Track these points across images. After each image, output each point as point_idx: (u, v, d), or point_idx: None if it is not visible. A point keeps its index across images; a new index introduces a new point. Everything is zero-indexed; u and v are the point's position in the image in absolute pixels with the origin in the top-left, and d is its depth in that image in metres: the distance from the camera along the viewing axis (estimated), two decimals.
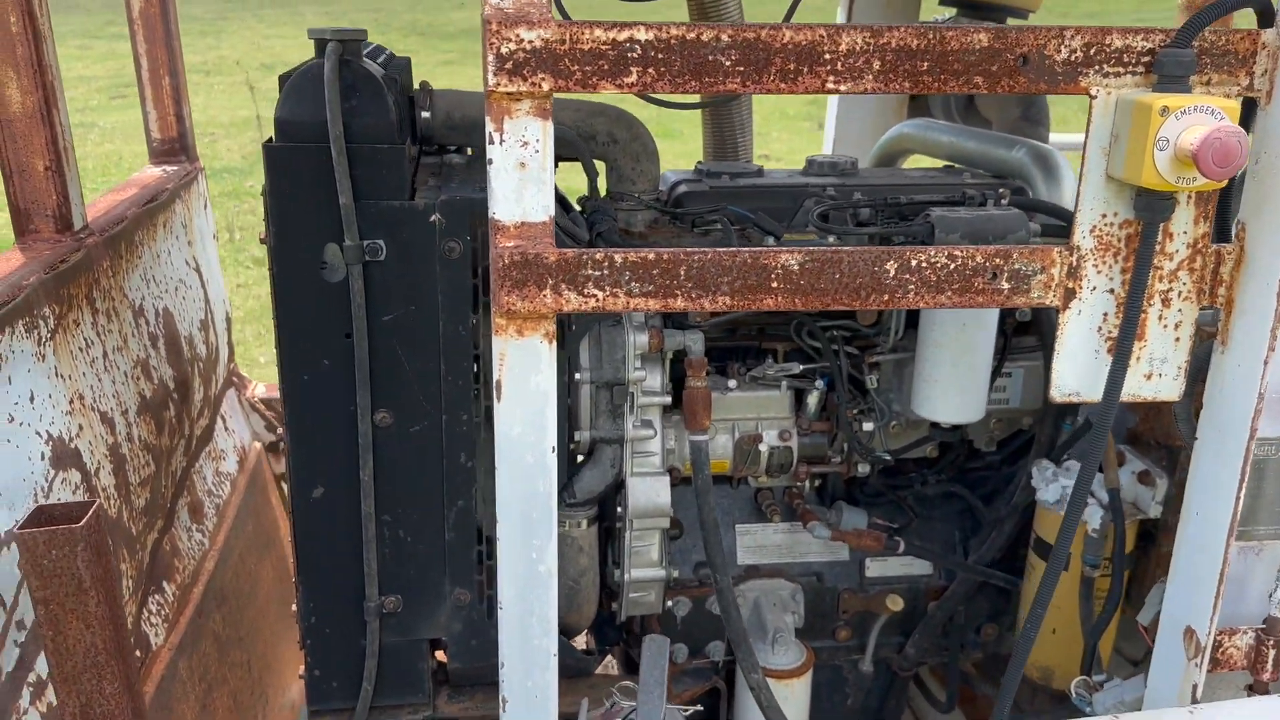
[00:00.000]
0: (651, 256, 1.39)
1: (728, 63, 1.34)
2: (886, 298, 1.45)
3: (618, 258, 1.38)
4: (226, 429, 3.15)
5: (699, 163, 2.46)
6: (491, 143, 1.33)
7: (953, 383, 2.06)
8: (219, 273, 3.29)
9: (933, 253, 1.44)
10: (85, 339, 2.20)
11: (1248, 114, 1.48)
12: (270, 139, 1.78)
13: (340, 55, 1.76)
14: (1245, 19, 1.48)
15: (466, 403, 1.90)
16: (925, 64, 1.38)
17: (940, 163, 2.66)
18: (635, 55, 1.32)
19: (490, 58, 1.29)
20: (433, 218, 1.80)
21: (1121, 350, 1.50)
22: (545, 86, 1.31)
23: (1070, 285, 1.50)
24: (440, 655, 2.12)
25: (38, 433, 1.94)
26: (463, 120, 2.07)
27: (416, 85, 2.08)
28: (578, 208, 2.17)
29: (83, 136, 11.62)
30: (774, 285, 1.42)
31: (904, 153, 2.88)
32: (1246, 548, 1.71)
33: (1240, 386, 1.57)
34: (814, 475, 2.32)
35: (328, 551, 1.92)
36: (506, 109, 1.32)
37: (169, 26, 3.04)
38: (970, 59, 1.38)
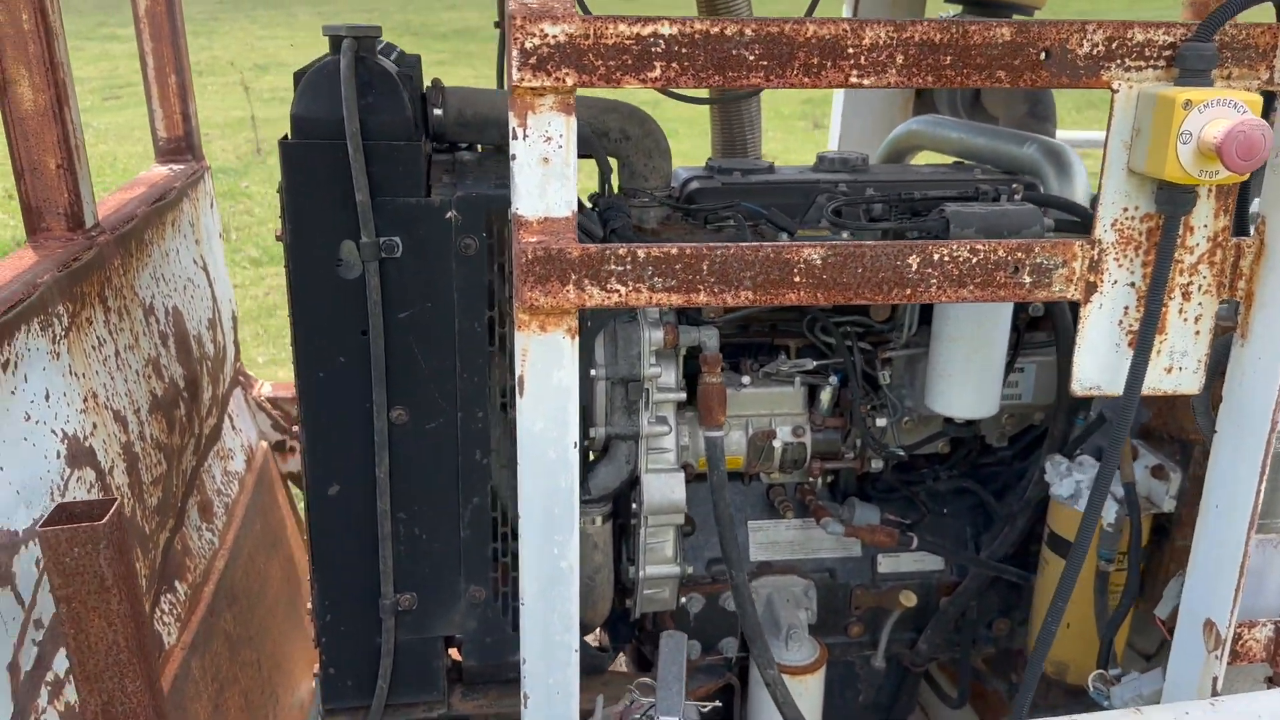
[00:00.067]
0: (674, 251, 1.38)
1: (751, 57, 1.33)
2: (909, 292, 1.45)
3: (640, 253, 1.38)
4: (234, 428, 3.15)
5: (710, 159, 2.46)
6: (515, 138, 1.33)
7: (967, 378, 2.06)
8: (225, 272, 3.28)
9: (955, 247, 1.44)
10: (98, 337, 2.19)
11: (1267, 107, 1.48)
12: (285, 136, 1.78)
13: (356, 52, 1.76)
14: (1257, 14, 1.48)
15: (482, 399, 1.89)
16: (948, 58, 1.37)
17: (949, 159, 2.66)
18: (659, 50, 1.32)
19: (515, 52, 1.29)
20: (449, 214, 1.79)
21: (1143, 344, 1.50)
22: (569, 81, 1.31)
23: (1092, 279, 1.50)
24: (454, 653, 2.11)
25: (53, 431, 1.94)
26: (474, 117, 2.07)
27: (426, 83, 2.08)
28: (588, 205, 2.17)
29: None
30: (796, 280, 1.42)
31: (913, 149, 2.88)
32: (1266, 540, 1.71)
33: (1260, 379, 1.57)
34: (827, 471, 2.32)
35: (343, 549, 1.92)
36: (530, 104, 1.32)
37: (175, 24, 3.03)
38: (993, 53, 1.38)
